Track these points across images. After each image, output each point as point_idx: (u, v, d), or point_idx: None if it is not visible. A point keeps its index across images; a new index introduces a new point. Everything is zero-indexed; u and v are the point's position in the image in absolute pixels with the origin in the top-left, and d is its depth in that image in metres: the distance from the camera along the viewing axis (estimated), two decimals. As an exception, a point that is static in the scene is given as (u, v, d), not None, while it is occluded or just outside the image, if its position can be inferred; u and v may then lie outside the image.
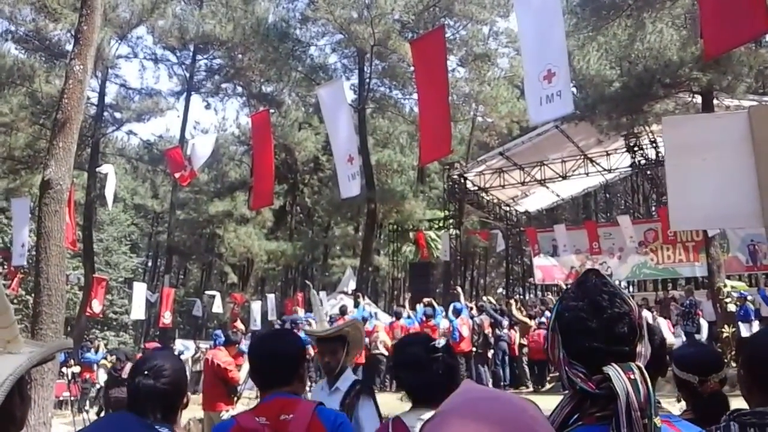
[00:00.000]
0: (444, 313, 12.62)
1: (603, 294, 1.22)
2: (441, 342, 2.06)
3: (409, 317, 12.85)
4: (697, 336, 12.92)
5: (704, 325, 13.13)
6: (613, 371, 1.12)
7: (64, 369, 13.79)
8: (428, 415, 1.05)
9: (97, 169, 21.27)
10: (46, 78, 22.12)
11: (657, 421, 1.10)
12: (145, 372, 1.89)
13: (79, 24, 7.74)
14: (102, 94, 24.96)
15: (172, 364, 1.96)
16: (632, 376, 1.11)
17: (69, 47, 16.54)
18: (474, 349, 12.30)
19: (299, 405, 2.09)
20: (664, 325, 11.98)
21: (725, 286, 13.45)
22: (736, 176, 2.55)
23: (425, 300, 13.54)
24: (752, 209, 2.52)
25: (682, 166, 2.71)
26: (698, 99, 13.69)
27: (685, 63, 12.24)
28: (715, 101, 13.36)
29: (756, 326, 11.40)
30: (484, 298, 16.19)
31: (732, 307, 12.54)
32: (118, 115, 26.78)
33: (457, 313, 12.40)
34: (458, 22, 22.74)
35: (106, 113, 25.68)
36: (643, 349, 1.22)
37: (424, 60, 7.44)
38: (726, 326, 12.24)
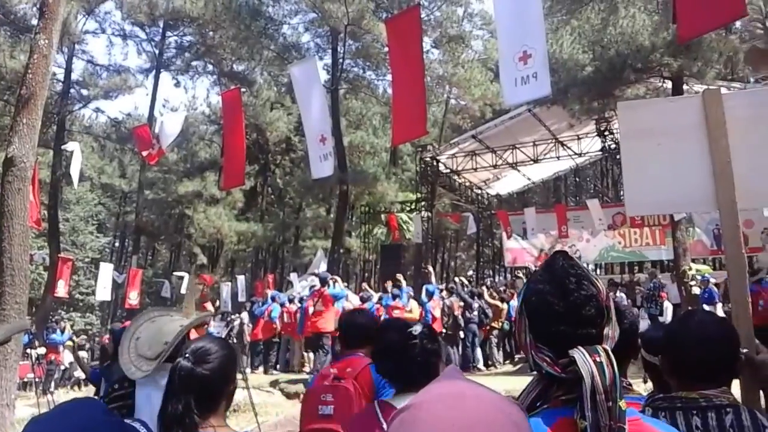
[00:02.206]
0: (411, 293, 12.52)
1: (570, 276, 1.20)
2: (417, 328, 2.02)
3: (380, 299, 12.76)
4: (660, 318, 13.17)
5: (668, 308, 13.37)
6: (579, 354, 1.11)
7: (28, 350, 13.59)
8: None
9: (63, 147, 20.80)
10: (10, 53, 21.53)
11: (622, 404, 1.09)
12: (186, 354, 1.76)
13: (44, -3, 7.51)
14: (68, 70, 24.41)
15: (220, 349, 1.82)
16: (598, 359, 1.10)
17: (34, 22, 16.09)
18: (444, 330, 12.37)
19: (360, 361, 2.76)
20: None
21: (690, 269, 13.71)
22: (691, 160, 2.57)
23: (393, 278, 13.44)
24: (706, 193, 2.54)
25: (637, 151, 2.72)
26: (669, 84, 13.84)
27: (657, 48, 12.34)
28: (685, 86, 13.51)
29: (720, 309, 11.64)
30: (456, 279, 16.27)
31: (696, 290, 12.79)
32: (84, 92, 26.24)
33: (430, 295, 12.43)
34: (433, 3, 22.62)
35: (72, 90, 25.13)
36: (611, 331, 1.20)
37: (399, 39, 7.36)
38: (690, 308, 12.49)
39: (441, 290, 13.52)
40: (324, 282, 11.63)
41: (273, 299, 14.14)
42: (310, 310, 11.71)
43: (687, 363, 1.60)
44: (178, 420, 1.69)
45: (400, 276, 13.39)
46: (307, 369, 12.11)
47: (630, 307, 2.15)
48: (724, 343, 1.60)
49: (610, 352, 1.14)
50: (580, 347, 1.13)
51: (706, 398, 1.52)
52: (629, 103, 3.01)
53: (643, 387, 3.65)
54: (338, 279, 12.54)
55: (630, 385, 1.99)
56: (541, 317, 1.20)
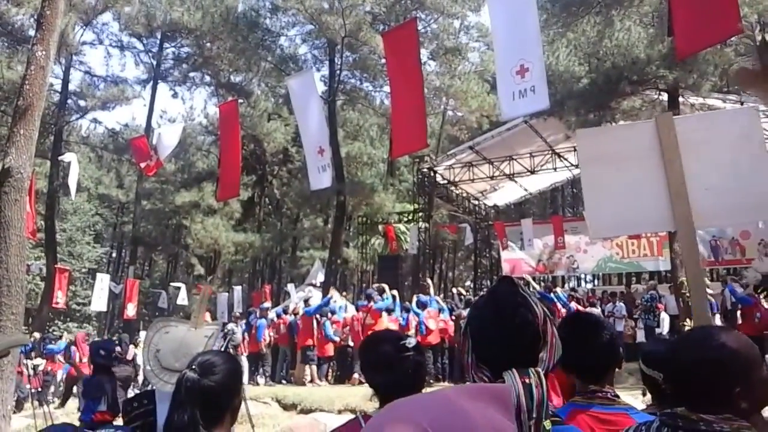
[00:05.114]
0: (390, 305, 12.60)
1: (509, 303, 1.30)
2: (412, 341, 2.02)
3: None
4: (657, 330, 13.18)
5: (665, 319, 13.39)
6: (509, 376, 1.20)
7: (25, 361, 13.57)
8: None
9: (60, 158, 20.82)
10: (7, 64, 21.60)
11: (546, 423, 1.17)
12: (193, 366, 1.80)
13: (42, 9, 7.51)
14: (66, 81, 24.47)
15: (224, 363, 1.87)
16: (527, 381, 1.18)
17: (32, 32, 16.16)
18: (456, 344, 12.26)
19: None
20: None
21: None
22: (648, 183, 2.66)
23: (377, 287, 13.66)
24: (663, 214, 2.64)
25: (597, 176, 2.82)
26: (664, 96, 13.90)
27: (652, 60, 12.41)
28: (680, 99, 13.57)
29: (717, 320, 11.65)
30: (454, 289, 16.26)
31: (694, 302, 12.77)
32: (82, 102, 26.29)
33: (423, 305, 12.39)
34: (429, 15, 22.72)
35: (69, 101, 25.18)
36: (546, 355, 1.30)
37: (397, 53, 7.39)
38: (688, 320, 12.47)
39: (437, 301, 13.47)
40: (369, 298, 12.43)
41: (261, 312, 14.18)
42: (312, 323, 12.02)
43: (680, 385, 1.58)
44: (183, 431, 1.72)
45: (385, 286, 13.39)
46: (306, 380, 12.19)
47: (607, 320, 2.17)
48: (717, 369, 1.50)
49: (542, 375, 1.22)
50: (513, 369, 1.21)
51: (705, 423, 1.47)
52: (587, 131, 3.13)
53: (641, 399, 3.66)
54: (386, 287, 12.78)
55: (617, 396, 2.01)
56: (480, 340, 1.31)
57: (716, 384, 1.51)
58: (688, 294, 12.94)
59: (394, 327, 11.25)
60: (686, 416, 1.51)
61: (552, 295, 13.27)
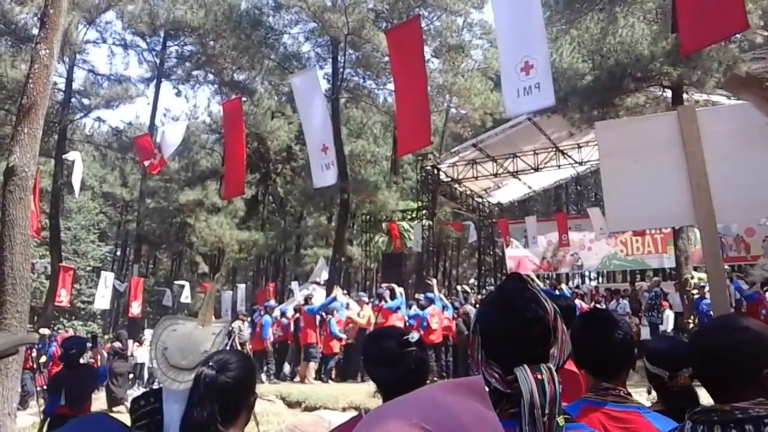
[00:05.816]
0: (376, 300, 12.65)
1: (519, 299, 1.29)
2: (414, 336, 2.02)
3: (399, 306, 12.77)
4: (661, 327, 13.17)
5: (669, 316, 13.37)
6: (521, 372, 1.19)
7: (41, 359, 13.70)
8: None
9: (64, 157, 20.86)
10: (11, 62, 21.62)
11: (560, 420, 1.16)
12: (210, 363, 1.83)
13: (46, 7, 7.53)
14: (69, 80, 24.49)
15: (240, 360, 1.90)
16: (540, 377, 1.18)
17: (35, 31, 16.19)
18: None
19: None
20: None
21: (692, 277, 13.68)
22: (667, 176, 2.63)
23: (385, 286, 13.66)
24: (684, 207, 2.59)
25: (615, 169, 2.80)
26: (668, 93, 13.84)
27: (656, 57, 12.36)
28: (684, 95, 13.52)
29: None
30: (458, 287, 16.24)
31: (701, 299, 12.77)
32: (86, 101, 26.33)
33: (429, 302, 12.35)
34: (432, 13, 22.68)
35: (73, 99, 25.21)
36: (557, 351, 1.29)
37: (400, 50, 7.37)
38: (692, 317, 12.48)
39: (441, 299, 13.42)
40: (381, 297, 12.46)
41: (266, 310, 14.16)
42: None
43: (706, 376, 1.58)
44: (202, 428, 1.73)
45: (394, 286, 13.38)
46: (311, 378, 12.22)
47: (624, 318, 2.15)
48: (740, 354, 1.52)
49: (554, 371, 1.21)
50: (524, 365, 1.20)
51: (741, 410, 1.47)
52: (606, 123, 3.08)
53: (646, 397, 3.64)
54: (395, 286, 12.80)
55: (629, 394, 2.00)
56: (490, 337, 1.30)
57: (745, 367, 1.52)
58: (693, 291, 12.96)
59: (400, 325, 11.20)
60: (719, 409, 1.51)
61: (557, 292, 13.23)
